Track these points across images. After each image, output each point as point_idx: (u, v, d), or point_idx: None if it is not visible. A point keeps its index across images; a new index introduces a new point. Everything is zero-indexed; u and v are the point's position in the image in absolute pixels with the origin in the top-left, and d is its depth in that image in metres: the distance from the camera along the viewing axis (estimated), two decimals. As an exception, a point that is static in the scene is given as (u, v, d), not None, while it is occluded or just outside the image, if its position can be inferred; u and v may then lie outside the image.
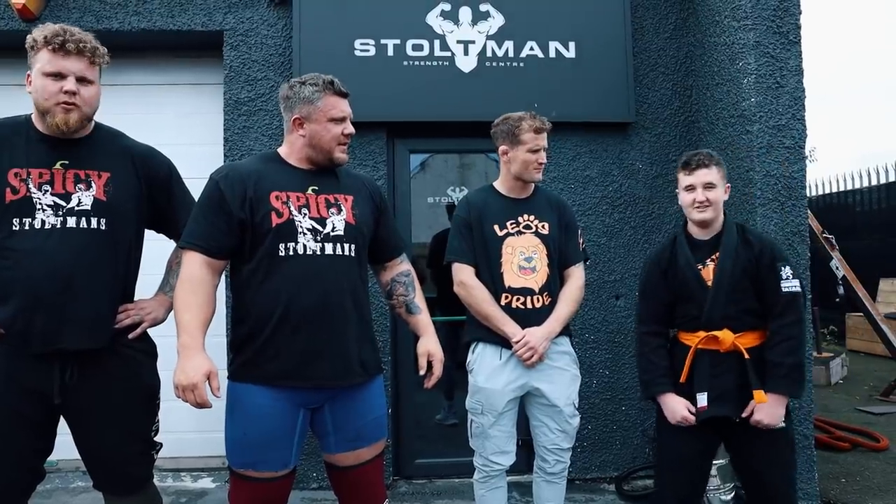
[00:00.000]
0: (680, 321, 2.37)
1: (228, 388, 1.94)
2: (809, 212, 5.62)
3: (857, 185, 10.33)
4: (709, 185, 2.28)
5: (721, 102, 3.54)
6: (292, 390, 1.89)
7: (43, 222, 1.83)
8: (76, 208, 1.87)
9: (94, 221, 1.89)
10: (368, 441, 2.01)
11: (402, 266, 2.22)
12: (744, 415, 2.19)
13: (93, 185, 1.90)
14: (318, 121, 1.96)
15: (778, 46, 3.32)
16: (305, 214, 1.92)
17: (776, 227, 3.21)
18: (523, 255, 2.48)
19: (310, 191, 1.96)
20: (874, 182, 9.96)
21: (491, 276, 2.48)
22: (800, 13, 3.38)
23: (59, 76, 1.82)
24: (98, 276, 1.89)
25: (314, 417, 1.98)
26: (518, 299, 2.44)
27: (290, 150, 2.02)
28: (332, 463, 2.03)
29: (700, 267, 2.29)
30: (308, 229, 1.91)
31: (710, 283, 2.26)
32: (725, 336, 2.22)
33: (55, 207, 1.85)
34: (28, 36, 1.86)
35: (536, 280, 2.46)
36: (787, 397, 2.21)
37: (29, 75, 1.87)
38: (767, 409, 2.16)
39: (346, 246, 1.95)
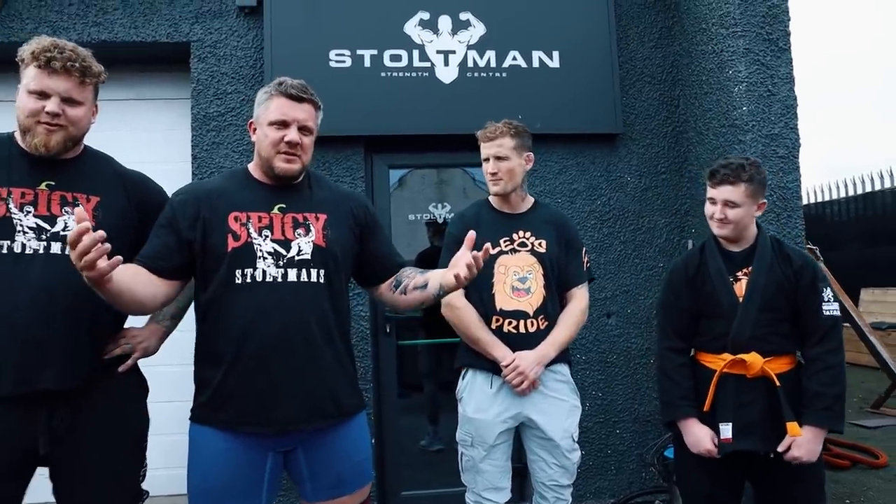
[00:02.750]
0: (702, 340, 2.16)
1: (189, 430, 1.74)
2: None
3: (834, 196, 10.41)
4: (729, 203, 2.08)
5: (711, 112, 3.44)
6: (255, 435, 1.69)
7: (24, 246, 1.64)
8: (61, 233, 1.67)
9: None
10: (351, 488, 1.80)
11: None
12: (780, 449, 1.98)
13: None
14: (261, 125, 1.78)
15: (768, 54, 3.24)
16: (267, 237, 1.72)
17: (773, 239, 3.09)
18: (517, 276, 2.30)
19: (276, 210, 1.76)
20: (850, 193, 10.04)
21: (481, 298, 2.30)
22: (789, 20, 3.30)
23: (42, 95, 1.66)
24: (83, 308, 1.67)
25: (288, 460, 1.77)
26: (510, 323, 2.26)
27: (255, 162, 1.84)
28: (312, 511, 1.82)
29: (732, 280, 2.09)
30: (269, 253, 1.70)
31: (741, 299, 2.06)
32: (754, 360, 2.01)
33: (38, 230, 1.66)
34: (19, 48, 1.69)
35: (531, 302, 2.29)
36: (827, 431, 2.02)
37: (19, 88, 1.70)
38: (807, 444, 1.97)
39: (314, 271, 1.74)
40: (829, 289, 2.06)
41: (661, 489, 3.34)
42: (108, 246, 1.35)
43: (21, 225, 1.65)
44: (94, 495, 1.72)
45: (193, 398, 1.76)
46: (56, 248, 1.67)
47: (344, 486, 1.79)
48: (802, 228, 3.19)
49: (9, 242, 1.63)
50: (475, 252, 1.64)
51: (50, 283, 1.64)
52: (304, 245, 1.75)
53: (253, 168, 1.85)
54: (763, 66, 3.22)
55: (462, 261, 1.65)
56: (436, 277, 1.81)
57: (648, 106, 3.76)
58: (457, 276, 1.66)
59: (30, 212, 1.67)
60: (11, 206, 1.65)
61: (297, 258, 1.73)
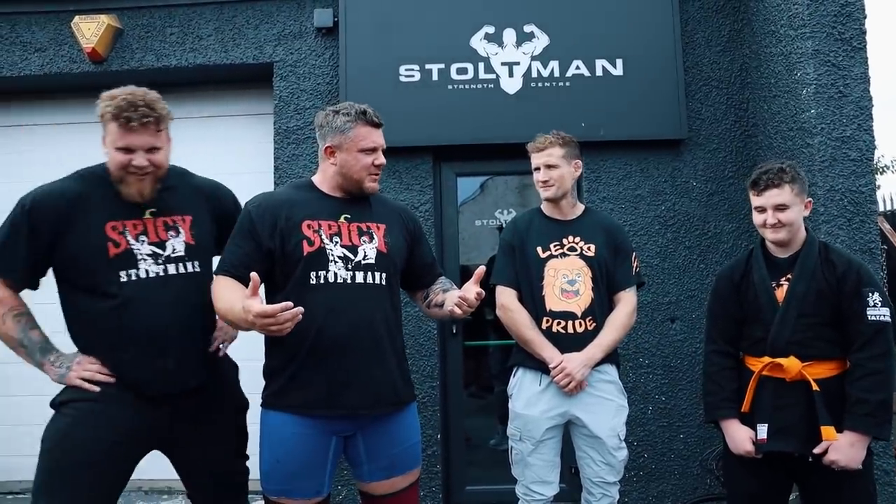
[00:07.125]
0: (746, 343, 2.20)
1: (261, 415, 1.95)
2: (890, 227, 5.25)
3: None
4: (780, 207, 2.09)
5: (779, 115, 3.38)
6: (322, 419, 1.88)
7: (147, 272, 1.91)
8: (173, 255, 1.95)
9: (189, 265, 1.97)
10: (403, 469, 1.98)
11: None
12: (816, 451, 1.99)
13: (181, 230, 1.99)
14: (348, 150, 1.96)
15: (840, 54, 3.15)
16: (337, 242, 1.92)
17: (843, 244, 3.01)
18: (566, 278, 2.40)
19: (342, 219, 1.96)
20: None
21: (532, 299, 2.42)
22: (864, 17, 3.20)
23: (128, 150, 1.84)
24: (199, 318, 1.95)
25: (348, 445, 1.96)
26: (559, 323, 2.37)
27: (323, 177, 2.04)
28: (367, 492, 2.01)
29: (774, 286, 2.12)
30: (339, 257, 1.91)
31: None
32: (791, 364, 2.03)
33: (154, 256, 1.93)
34: (97, 103, 1.86)
35: (579, 304, 2.38)
36: (869, 438, 2.00)
37: (104, 137, 1.89)
38: (846, 448, 1.97)
39: (378, 274, 1.94)
40: (876, 293, 2.02)
41: (723, 496, 3.30)
42: (300, 317, 1.63)
43: (140, 253, 1.91)
44: (209, 461, 2.01)
45: (264, 387, 1.98)
46: (171, 269, 1.94)
47: (397, 467, 1.98)
48: (876, 234, 3.08)
49: (135, 271, 1.89)
50: (477, 289, 1.85)
51: (171, 302, 1.91)
52: (368, 251, 1.95)
53: (320, 182, 2.05)
54: (834, 67, 3.14)
55: (464, 294, 1.86)
56: (450, 300, 1.96)
57: (715, 110, 3.73)
58: (452, 312, 1.89)
59: (144, 240, 1.92)
60: (129, 237, 1.90)
61: (363, 262, 1.93)
